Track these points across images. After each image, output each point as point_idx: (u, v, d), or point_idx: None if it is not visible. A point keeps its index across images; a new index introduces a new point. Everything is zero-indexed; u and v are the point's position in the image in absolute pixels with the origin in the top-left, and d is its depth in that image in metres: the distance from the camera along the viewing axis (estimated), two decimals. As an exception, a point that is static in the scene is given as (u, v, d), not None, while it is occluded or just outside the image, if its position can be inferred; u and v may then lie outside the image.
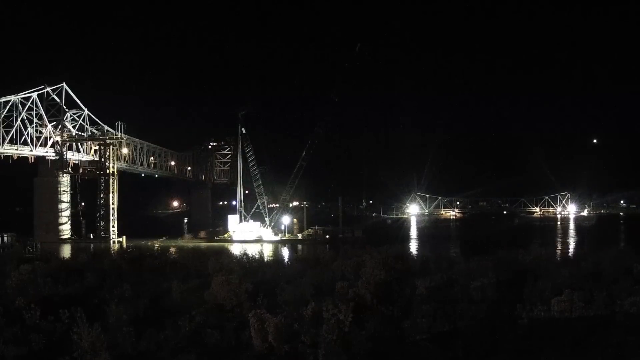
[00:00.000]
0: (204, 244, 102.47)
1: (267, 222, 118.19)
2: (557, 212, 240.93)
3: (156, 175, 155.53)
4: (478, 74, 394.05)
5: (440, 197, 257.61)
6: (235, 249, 72.40)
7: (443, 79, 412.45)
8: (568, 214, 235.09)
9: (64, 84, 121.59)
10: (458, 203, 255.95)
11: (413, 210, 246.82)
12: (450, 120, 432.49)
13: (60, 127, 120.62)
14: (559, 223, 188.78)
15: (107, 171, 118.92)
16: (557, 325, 21.28)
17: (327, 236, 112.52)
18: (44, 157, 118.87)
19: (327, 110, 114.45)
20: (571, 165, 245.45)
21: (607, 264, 32.65)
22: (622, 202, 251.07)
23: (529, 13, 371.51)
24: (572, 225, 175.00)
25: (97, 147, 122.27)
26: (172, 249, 60.86)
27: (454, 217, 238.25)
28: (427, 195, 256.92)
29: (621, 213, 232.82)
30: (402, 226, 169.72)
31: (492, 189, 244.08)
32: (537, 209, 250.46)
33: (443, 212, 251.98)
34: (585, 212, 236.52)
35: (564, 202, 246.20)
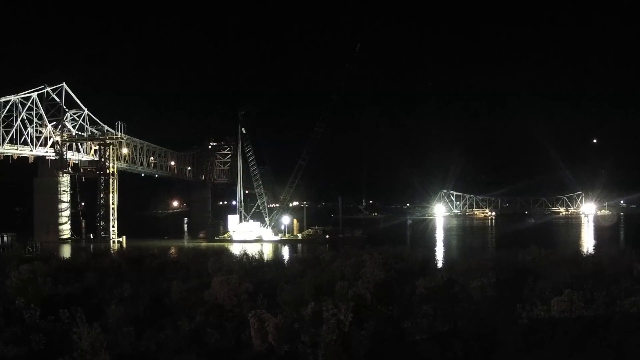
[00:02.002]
0: (204, 244, 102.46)
1: (267, 222, 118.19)
2: (581, 212, 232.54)
3: (156, 175, 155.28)
4: (496, 69, 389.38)
5: (469, 196, 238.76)
6: (235, 249, 72.33)
7: (462, 76, 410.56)
8: (588, 214, 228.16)
9: (64, 84, 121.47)
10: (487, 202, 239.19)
11: (439, 210, 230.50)
12: (470, 119, 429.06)
13: (60, 127, 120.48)
14: (587, 224, 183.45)
15: (107, 171, 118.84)
16: (557, 325, 21.26)
17: (327, 236, 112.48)
18: (44, 157, 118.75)
19: (328, 108, 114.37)
20: (586, 165, 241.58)
21: (607, 264, 32.66)
22: (622, 202, 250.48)
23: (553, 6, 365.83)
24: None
25: (97, 147, 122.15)
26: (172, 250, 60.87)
27: (491, 217, 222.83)
28: (455, 193, 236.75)
29: (621, 213, 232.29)
30: (428, 230, 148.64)
31: (512, 190, 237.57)
32: (562, 209, 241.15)
33: (476, 212, 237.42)
34: (599, 212, 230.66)
35: (579, 201, 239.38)
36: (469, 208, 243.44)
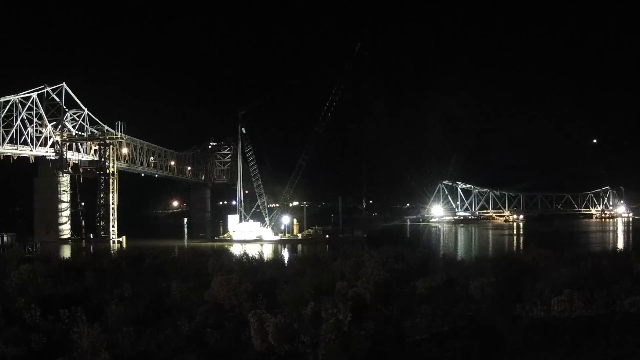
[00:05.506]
0: (203, 244, 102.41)
1: (267, 222, 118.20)
2: (621, 213, 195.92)
3: (156, 175, 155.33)
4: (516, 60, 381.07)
5: (480, 190, 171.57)
6: (235, 249, 72.32)
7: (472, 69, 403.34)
8: (628, 214, 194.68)
9: (64, 83, 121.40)
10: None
11: (437, 212, 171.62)
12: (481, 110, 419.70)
13: (60, 127, 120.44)
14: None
15: (107, 171, 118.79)
16: (557, 325, 21.27)
17: (327, 236, 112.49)
18: (44, 157, 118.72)
19: (328, 107, 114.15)
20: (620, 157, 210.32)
21: (607, 264, 32.64)
22: (621, 201, 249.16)
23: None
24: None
25: (97, 147, 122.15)
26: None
27: (518, 222, 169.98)
28: (462, 186, 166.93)
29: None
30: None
31: (528, 185, 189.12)
32: (594, 210, 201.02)
33: (495, 215, 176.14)
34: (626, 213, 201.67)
35: (606, 199, 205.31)
36: (481, 209, 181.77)
